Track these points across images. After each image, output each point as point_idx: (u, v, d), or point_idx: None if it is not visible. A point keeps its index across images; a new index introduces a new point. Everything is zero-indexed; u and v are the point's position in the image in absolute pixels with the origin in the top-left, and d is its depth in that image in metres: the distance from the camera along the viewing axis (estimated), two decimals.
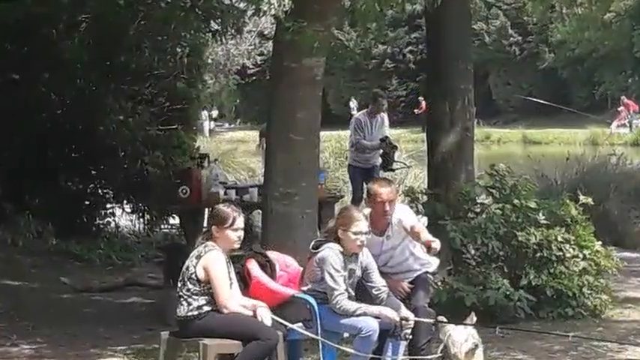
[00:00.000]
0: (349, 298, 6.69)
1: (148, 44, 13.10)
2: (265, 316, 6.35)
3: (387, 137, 13.15)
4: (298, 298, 6.71)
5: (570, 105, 47.16)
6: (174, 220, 13.89)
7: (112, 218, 14.29)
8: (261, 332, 6.24)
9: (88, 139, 13.40)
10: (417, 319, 6.81)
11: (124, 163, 13.82)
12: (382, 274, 6.99)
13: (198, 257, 6.36)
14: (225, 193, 11.15)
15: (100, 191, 14.38)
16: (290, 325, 6.52)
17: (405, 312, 6.80)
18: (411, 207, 8.97)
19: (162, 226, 14.39)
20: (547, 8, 15.04)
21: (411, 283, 7.25)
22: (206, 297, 6.32)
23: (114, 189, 14.26)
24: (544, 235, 9.06)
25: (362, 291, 6.88)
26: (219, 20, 10.24)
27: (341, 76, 58.10)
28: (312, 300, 6.67)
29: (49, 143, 13.45)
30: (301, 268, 6.97)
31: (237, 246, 6.50)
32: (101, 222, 14.20)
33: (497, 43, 55.59)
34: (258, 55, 45.62)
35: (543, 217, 9.20)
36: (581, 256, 9.18)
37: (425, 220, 9.58)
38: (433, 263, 7.44)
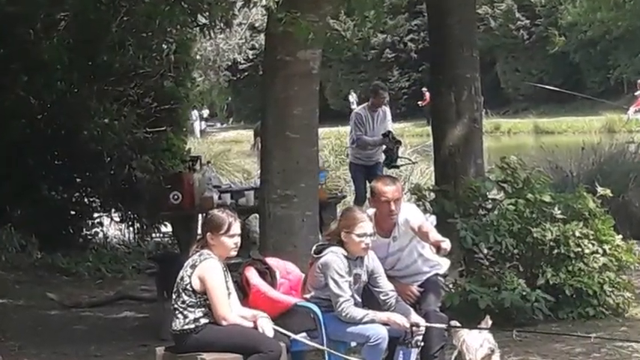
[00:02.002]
0: (355, 304, 6.70)
1: (131, 42, 13.09)
2: (266, 326, 6.36)
3: (389, 132, 13.17)
4: (301, 307, 6.72)
5: (584, 91, 47.13)
6: (166, 228, 13.89)
7: (100, 228, 14.29)
8: (262, 344, 6.25)
9: (72, 144, 13.40)
10: (428, 324, 6.81)
11: (110, 169, 13.82)
12: (390, 277, 7.00)
13: (193, 267, 6.36)
14: (220, 198, 11.16)
15: (85, 200, 14.37)
16: (293, 336, 6.52)
17: (416, 317, 6.80)
18: (418, 205, 8.98)
19: (153, 235, 14.39)
20: None
21: (420, 286, 7.25)
22: (203, 309, 6.33)
23: (101, 197, 14.26)
24: (561, 231, 9.06)
25: (369, 297, 6.89)
26: (207, 13, 10.24)
27: (339, 69, 58.22)
28: (315, 308, 6.68)
29: (29, 150, 13.44)
30: (303, 275, 6.98)
31: (234, 253, 6.51)
32: (88, 233, 14.19)
33: (504, 28, 55.62)
34: (250, 49, 45.64)
35: (559, 212, 9.20)
36: (600, 251, 9.17)
37: (433, 218, 9.58)
38: (443, 265, 7.45)
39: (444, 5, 10.98)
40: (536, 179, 9.49)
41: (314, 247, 6.92)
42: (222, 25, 10.51)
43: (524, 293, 8.82)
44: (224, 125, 62.99)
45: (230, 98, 62.98)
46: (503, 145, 36.39)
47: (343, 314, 6.63)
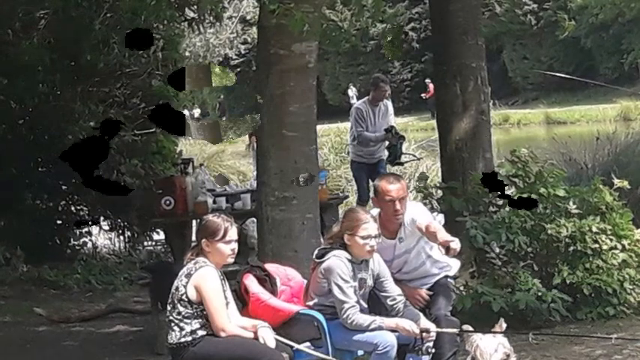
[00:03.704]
0: (361, 310, 6.71)
1: (116, 39, 13.07)
2: (268, 337, 6.36)
3: (392, 127, 13.17)
4: (304, 315, 6.72)
5: (597, 77, 47.19)
6: (159, 236, 13.90)
7: (89, 238, 14.29)
8: (264, 355, 6.25)
9: (56, 150, 13.38)
10: (439, 329, 6.82)
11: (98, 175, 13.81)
12: (397, 281, 7.01)
13: (189, 276, 6.37)
14: (215, 202, 11.17)
15: (72, 208, 14.37)
16: (296, 346, 6.53)
17: (426, 323, 6.81)
18: (425, 204, 8.99)
19: (145, 244, 14.40)
20: None
21: (429, 289, 7.26)
22: (200, 320, 6.33)
23: (88, 205, 14.25)
24: (576, 227, 9.07)
25: (375, 302, 6.90)
26: (195, 7, 10.26)
27: (336, 62, 58.27)
28: (319, 316, 6.68)
29: (11, 158, 13.44)
30: (305, 281, 6.99)
31: (231, 260, 6.51)
32: (76, 243, 14.19)
33: (511, 13, 55.63)
34: (242, 43, 45.73)
35: (574, 206, 9.22)
36: (619, 247, 9.18)
37: (441, 217, 9.59)
38: (453, 266, 7.46)
39: None
40: (549, 173, 9.50)
41: (316, 252, 6.92)
42: (211, 19, 10.54)
43: (539, 294, 8.82)
44: None
45: (222, 96, 63.06)
46: (512, 137, 36.41)
47: (349, 321, 6.63)
